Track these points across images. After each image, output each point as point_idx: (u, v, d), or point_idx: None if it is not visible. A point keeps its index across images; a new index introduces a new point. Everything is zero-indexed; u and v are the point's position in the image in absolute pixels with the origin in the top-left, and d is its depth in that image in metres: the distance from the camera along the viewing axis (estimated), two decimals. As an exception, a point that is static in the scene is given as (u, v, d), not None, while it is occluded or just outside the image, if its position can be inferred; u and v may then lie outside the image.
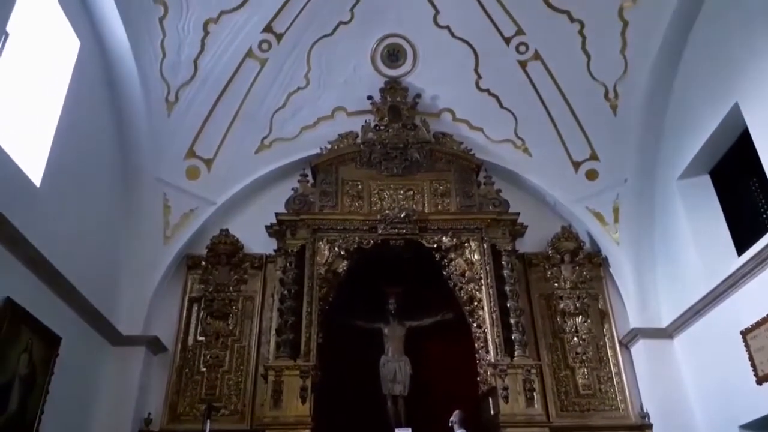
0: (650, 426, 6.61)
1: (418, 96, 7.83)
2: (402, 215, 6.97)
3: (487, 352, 6.44)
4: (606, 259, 7.53)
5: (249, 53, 7.02)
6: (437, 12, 7.11)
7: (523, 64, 7.28)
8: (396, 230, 6.98)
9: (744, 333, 5.53)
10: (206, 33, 6.63)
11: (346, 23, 7.14)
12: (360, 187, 7.48)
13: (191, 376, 6.79)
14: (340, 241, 6.98)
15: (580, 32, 6.82)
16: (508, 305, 6.59)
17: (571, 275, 7.32)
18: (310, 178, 7.58)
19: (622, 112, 7.13)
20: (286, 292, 6.60)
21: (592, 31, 6.77)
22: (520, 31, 7.05)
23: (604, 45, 6.80)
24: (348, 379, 6.86)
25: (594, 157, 7.54)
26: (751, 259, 5.36)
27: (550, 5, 6.71)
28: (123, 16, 5.85)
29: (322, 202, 7.30)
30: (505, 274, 6.77)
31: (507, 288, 6.69)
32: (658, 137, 6.97)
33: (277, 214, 7.13)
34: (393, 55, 7.62)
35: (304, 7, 6.78)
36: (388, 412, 6.72)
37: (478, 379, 6.62)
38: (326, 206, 7.25)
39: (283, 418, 5.97)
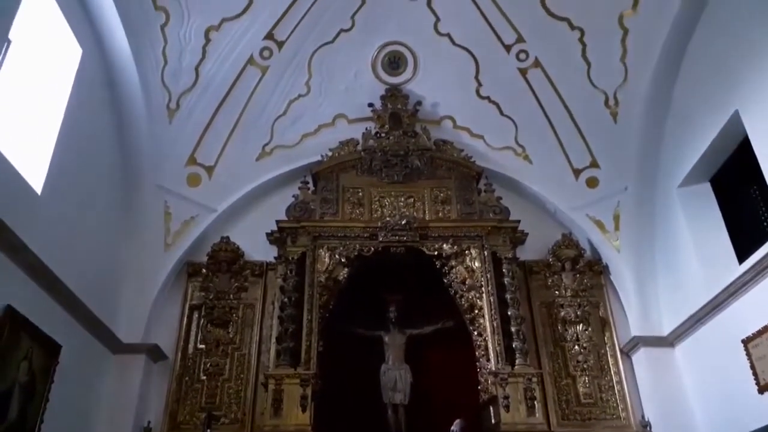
0: (652, 434, 6.58)
1: (419, 103, 7.84)
2: (402, 222, 6.97)
3: (488, 360, 6.43)
4: (607, 267, 7.51)
5: (250, 60, 7.04)
6: (438, 19, 7.14)
7: (523, 72, 7.29)
8: (396, 237, 6.97)
9: (745, 341, 5.51)
10: (208, 40, 6.66)
11: (347, 31, 7.16)
12: (361, 194, 7.48)
13: (191, 384, 6.76)
14: (341, 248, 6.98)
15: (581, 40, 6.84)
16: (509, 313, 6.57)
17: (571, 283, 7.30)
18: (310, 185, 7.58)
19: (622, 119, 7.14)
20: (286, 299, 6.59)
21: (593, 38, 6.79)
22: (520, 39, 7.07)
23: (605, 53, 6.81)
24: (348, 388, 6.84)
25: (594, 164, 7.55)
26: (752, 267, 5.35)
27: (550, 13, 6.73)
28: (125, 23, 5.88)
29: (323, 209, 7.29)
30: (505, 282, 6.75)
31: (508, 296, 6.67)
32: (658, 145, 6.97)
33: (277, 222, 7.13)
34: (394, 62, 7.63)
35: (305, 14, 6.81)
36: (388, 420, 6.70)
37: (479, 387, 6.60)
38: (327, 213, 7.25)
39: (283, 426, 5.95)
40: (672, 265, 6.89)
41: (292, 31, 6.92)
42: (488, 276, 6.77)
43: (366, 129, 7.79)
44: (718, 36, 5.83)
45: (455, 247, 6.98)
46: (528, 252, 7.54)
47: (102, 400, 6.27)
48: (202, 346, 6.95)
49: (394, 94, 7.81)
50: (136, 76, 6.27)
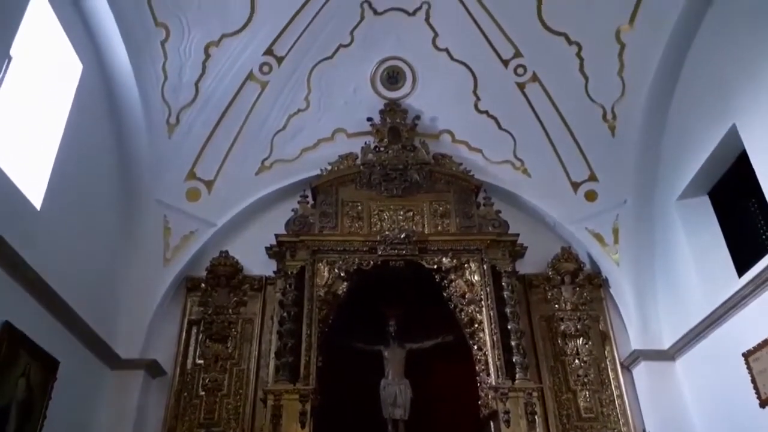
0: (653, 449, 6.54)
1: (418, 118, 7.88)
2: (402, 236, 6.96)
3: (488, 374, 6.38)
4: (606, 281, 7.50)
5: (250, 76, 7.08)
6: (436, 35, 7.19)
7: (521, 86, 7.34)
8: (396, 251, 6.95)
9: (746, 355, 5.49)
10: (207, 56, 6.70)
11: (346, 46, 7.21)
12: (360, 208, 7.48)
13: (190, 400, 6.70)
14: (340, 262, 6.96)
15: (578, 54, 6.89)
16: (509, 327, 6.54)
17: (571, 296, 7.29)
18: (310, 199, 7.58)
19: (620, 133, 7.18)
20: (285, 314, 6.56)
21: (590, 53, 6.84)
22: (518, 54, 7.12)
23: (602, 67, 6.86)
24: (348, 403, 6.79)
25: (593, 178, 7.58)
26: (752, 280, 5.34)
27: (547, 28, 6.78)
28: (125, 39, 5.91)
29: (322, 223, 7.29)
30: (505, 296, 6.73)
31: (508, 310, 6.64)
32: (656, 158, 7.00)
33: (276, 236, 7.12)
34: (392, 77, 7.68)
35: (304, 30, 6.86)
36: (388, 436, 6.65)
37: (479, 402, 6.55)
38: (326, 227, 7.25)
39: (282, 442, 5.90)
40: (671, 279, 6.89)
41: (291, 47, 6.97)
42: (488, 289, 6.75)
43: (365, 143, 7.81)
44: (715, 50, 5.87)
45: (454, 260, 6.97)
46: (527, 265, 7.53)
47: (100, 416, 6.22)
48: (201, 361, 6.91)
49: (392, 108, 7.84)
50: (136, 92, 6.29)
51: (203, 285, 7.22)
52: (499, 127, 7.74)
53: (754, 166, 5.36)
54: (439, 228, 7.32)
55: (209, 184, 7.48)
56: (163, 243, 7.15)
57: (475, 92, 7.55)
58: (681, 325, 6.55)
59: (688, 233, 6.54)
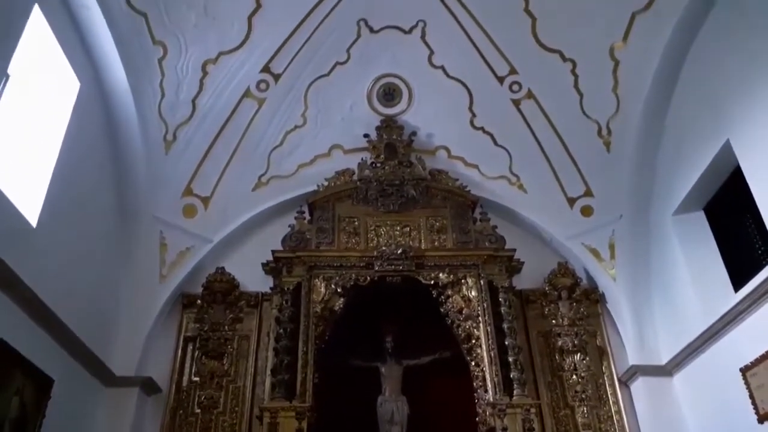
0: (652, 466, 6.51)
1: (414, 134, 7.92)
2: (398, 252, 6.96)
3: (486, 391, 6.35)
4: (603, 296, 7.50)
5: (247, 93, 7.13)
6: (432, 52, 7.26)
7: (516, 103, 7.39)
8: (393, 267, 6.95)
9: (743, 370, 5.48)
10: (205, 73, 6.74)
11: (342, 63, 7.27)
12: (356, 223, 7.49)
13: (185, 417, 6.65)
14: (337, 278, 6.95)
15: (573, 71, 6.96)
16: (507, 343, 6.52)
17: (568, 312, 7.26)
18: (306, 215, 7.58)
19: (615, 148, 7.23)
20: (281, 330, 6.53)
21: (584, 70, 6.91)
22: (513, 71, 7.19)
23: (597, 84, 6.93)
24: (345, 421, 6.72)
25: (588, 193, 7.61)
26: (748, 295, 5.34)
27: (542, 45, 6.86)
28: (123, 57, 5.95)
29: (319, 238, 7.29)
30: (502, 311, 6.72)
31: (505, 325, 6.63)
32: (651, 174, 7.05)
33: (273, 252, 7.10)
34: (389, 94, 7.74)
35: (301, 48, 6.92)
36: (385, 454, 6.60)
37: (477, 419, 6.50)
38: (323, 243, 7.25)
39: (278, 460, 5.85)
40: (668, 294, 6.90)
41: (288, 64, 7.03)
42: (485, 305, 6.74)
43: (362, 159, 7.86)
44: (708, 66, 5.93)
45: (451, 276, 6.97)
46: (524, 281, 7.52)
47: (94, 434, 6.17)
48: (197, 378, 6.86)
49: (389, 124, 7.89)
50: (133, 109, 6.32)
51: (199, 301, 7.19)
52: (495, 143, 7.78)
53: (748, 182, 5.40)
54: (436, 243, 7.32)
55: (206, 201, 7.49)
56: (159, 259, 7.14)
57: (470, 109, 7.61)
58: (678, 341, 6.55)
59: (684, 248, 6.57)
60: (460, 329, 6.82)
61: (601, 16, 6.40)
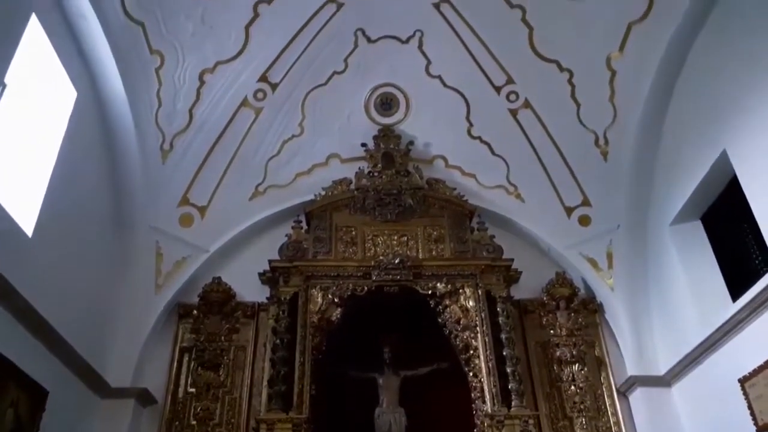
0: (651, 477, 6.47)
1: (411, 143, 7.92)
2: (396, 261, 6.94)
3: (484, 402, 6.31)
4: (601, 306, 7.48)
5: (244, 102, 7.13)
6: (429, 62, 7.28)
7: (513, 112, 7.41)
8: (390, 276, 6.93)
9: (742, 381, 5.46)
10: (202, 83, 6.74)
11: (340, 73, 7.28)
12: (354, 233, 7.47)
13: (181, 429, 6.57)
14: (334, 288, 6.92)
15: (569, 81, 6.97)
16: (504, 353, 6.49)
17: (566, 322, 7.23)
18: (304, 224, 7.56)
19: (612, 158, 7.24)
20: (278, 341, 6.49)
21: (581, 80, 6.93)
22: (510, 81, 7.21)
23: (593, 93, 6.94)
24: (342, 432, 6.71)
25: (586, 203, 7.62)
26: (746, 305, 5.33)
27: (539, 55, 6.88)
28: (120, 66, 5.94)
29: (316, 248, 7.26)
30: (500, 322, 6.69)
31: (503, 336, 6.60)
32: (649, 183, 7.06)
33: (270, 261, 7.07)
34: (386, 103, 7.75)
35: (298, 57, 6.94)
36: (383, 466, 6.55)
37: (475, 430, 6.46)
38: (320, 252, 7.22)
39: (275, 473, 5.80)
40: (666, 304, 6.89)
41: (285, 74, 7.04)
42: (483, 315, 6.72)
43: (359, 168, 7.85)
44: (704, 76, 5.96)
45: (449, 285, 6.94)
46: (522, 291, 7.50)
47: (89, 447, 6.10)
48: (193, 389, 6.79)
49: (386, 134, 7.90)
50: (130, 118, 6.30)
51: (195, 312, 7.14)
52: (492, 152, 7.79)
53: (745, 191, 5.41)
54: (434, 253, 7.31)
55: (202, 210, 7.47)
56: (155, 269, 7.10)
57: (468, 118, 7.62)
58: (677, 351, 6.53)
59: (681, 258, 6.57)
60: (457, 340, 6.80)
61: (597, 27, 6.43)
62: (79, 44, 5.69)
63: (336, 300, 6.86)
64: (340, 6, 6.62)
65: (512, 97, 7.30)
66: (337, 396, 6.78)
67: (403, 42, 7.11)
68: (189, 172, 7.27)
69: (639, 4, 6.11)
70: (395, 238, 7.45)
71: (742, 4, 5.34)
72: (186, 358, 6.99)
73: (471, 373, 6.64)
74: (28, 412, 4.85)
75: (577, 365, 7.04)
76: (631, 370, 7.01)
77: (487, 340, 6.57)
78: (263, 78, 7.02)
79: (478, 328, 6.67)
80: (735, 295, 5.88)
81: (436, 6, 6.69)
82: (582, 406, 6.85)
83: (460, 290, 6.95)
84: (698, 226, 6.64)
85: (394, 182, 7.63)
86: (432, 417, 6.94)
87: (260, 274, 7.34)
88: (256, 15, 6.43)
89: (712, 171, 5.90)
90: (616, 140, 7.11)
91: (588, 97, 7.00)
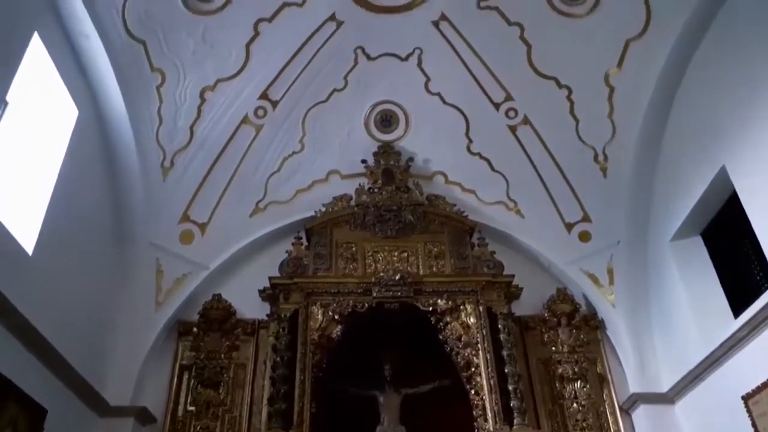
0: (655, 496, 6.40)
1: (411, 159, 7.94)
2: (396, 278, 6.92)
3: (486, 420, 6.24)
4: (602, 322, 7.44)
5: (245, 119, 7.16)
6: (428, 79, 7.32)
7: (513, 129, 7.44)
8: (391, 293, 6.90)
9: (745, 398, 5.42)
10: (203, 100, 6.78)
11: (340, 90, 7.32)
12: (354, 249, 7.46)
13: (180, 448, 6.54)
14: (334, 304, 6.89)
15: (568, 97, 7.01)
16: (506, 371, 6.43)
17: (568, 338, 7.19)
18: (304, 240, 7.55)
19: (612, 174, 7.26)
20: (278, 359, 6.45)
21: (580, 96, 6.96)
22: (509, 97, 7.24)
23: (592, 110, 6.98)
24: (343, 451, 6.64)
25: (586, 218, 7.61)
26: (748, 322, 5.30)
27: (537, 72, 6.92)
28: (121, 84, 6.00)
29: (316, 264, 7.25)
30: (502, 338, 6.64)
31: (504, 352, 6.55)
32: (648, 199, 7.07)
33: (270, 278, 7.06)
34: (386, 120, 7.79)
35: (299, 75, 6.98)
36: (384, 486, 6.48)
37: (477, 448, 6.41)
38: (320, 269, 7.21)
39: (275, 493, 5.74)
40: (668, 320, 6.86)
41: (286, 91, 7.08)
42: (484, 332, 6.68)
43: (359, 185, 7.86)
44: (702, 93, 5.99)
45: (450, 302, 6.91)
46: (523, 307, 7.45)
47: (87, 466, 6.04)
48: (192, 408, 6.73)
49: (386, 150, 7.92)
50: (131, 136, 6.34)
51: (195, 329, 7.09)
52: (492, 168, 7.81)
53: (744, 207, 5.41)
54: (434, 269, 7.29)
55: (203, 227, 7.46)
56: (155, 286, 7.08)
57: (467, 135, 7.65)
58: (679, 368, 6.48)
59: (682, 274, 6.55)
60: (459, 357, 6.75)
61: (595, 43, 6.48)
62: (81, 62, 5.75)
63: (336, 317, 6.83)
64: (339, 24, 6.69)
65: (511, 113, 7.33)
66: (338, 414, 6.71)
67: (402, 59, 7.15)
68: (189, 189, 7.28)
69: (636, 20, 6.17)
70: (396, 254, 7.44)
71: (739, 21, 5.40)
72: (186, 376, 6.94)
73: (473, 391, 6.58)
74: (26, 430, 4.80)
75: (579, 382, 6.99)
76: (634, 387, 6.96)
77: (488, 357, 6.53)
78: (264, 95, 7.07)
79: (479, 345, 6.64)
80: (737, 311, 5.86)
81: (435, 24, 6.75)
82: (584, 424, 6.78)
83: (461, 307, 6.92)
84: (698, 241, 6.64)
85: (394, 198, 7.64)
86: (434, 436, 6.87)
87: (260, 291, 7.31)
88: (256, 33, 6.48)
89: (712, 187, 5.91)
90: (615, 156, 7.14)
91: (587, 114, 7.03)
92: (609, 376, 7.13)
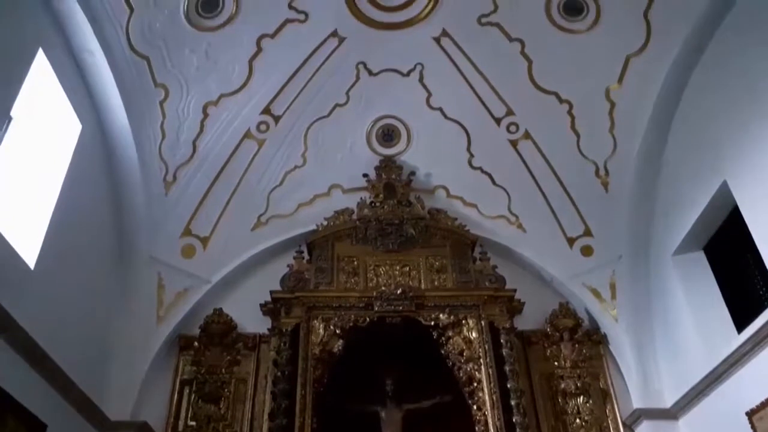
0: None
1: (413, 173, 7.97)
2: (398, 292, 6.90)
3: (488, 436, 6.22)
4: (605, 337, 7.40)
5: (247, 134, 7.22)
6: (430, 94, 7.38)
7: (514, 143, 7.47)
8: (392, 307, 6.88)
9: (750, 414, 5.37)
10: (206, 115, 6.83)
11: (342, 105, 7.38)
12: (356, 263, 7.45)
13: (181, 464, 6.50)
14: (336, 319, 6.87)
15: (569, 112, 7.06)
16: (509, 386, 6.39)
17: (570, 353, 7.14)
18: (305, 254, 7.55)
19: (613, 188, 7.27)
20: (279, 373, 6.42)
21: (581, 111, 7.02)
22: (510, 112, 7.30)
23: (593, 124, 7.02)
24: (343, 467, 6.59)
25: (588, 233, 7.61)
26: (751, 337, 5.28)
27: (538, 87, 6.97)
28: (124, 99, 6.04)
29: (318, 278, 7.24)
30: (504, 353, 6.61)
31: (507, 368, 6.51)
32: (650, 213, 7.07)
33: (271, 292, 7.05)
34: (388, 134, 7.84)
35: (301, 90, 7.05)
36: (385, 501, 6.42)
37: (479, 465, 6.36)
38: (322, 283, 7.19)
39: None
40: (671, 335, 6.82)
41: (288, 106, 7.14)
42: (486, 347, 6.64)
43: (361, 198, 7.88)
44: (703, 108, 6.02)
45: (452, 316, 6.88)
46: (525, 321, 7.41)
47: (87, 482, 6.00)
48: (193, 423, 6.69)
49: (388, 164, 7.95)
50: (134, 150, 6.38)
51: (196, 343, 7.06)
52: (493, 182, 7.83)
53: (747, 223, 5.41)
54: (436, 283, 7.28)
55: (205, 241, 7.47)
56: (156, 300, 7.07)
57: (468, 149, 7.68)
58: (683, 383, 6.44)
59: (685, 289, 6.53)
60: (461, 372, 6.71)
61: (596, 59, 6.54)
62: (85, 78, 5.81)
63: (338, 331, 6.80)
64: (342, 40, 6.75)
65: (512, 128, 7.37)
66: (339, 430, 6.66)
67: (404, 75, 7.21)
68: (192, 203, 7.31)
69: (637, 37, 6.23)
70: (397, 268, 7.43)
71: (739, 36, 5.43)
72: (186, 391, 6.91)
73: (475, 406, 6.52)
74: (25, 447, 4.78)
75: (582, 398, 6.93)
76: (637, 402, 6.91)
77: (490, 372, 6.49)
78: (266, 110, 7.12)
79: (481, 360, 6.60)
80: (740, 326, 5.83)
81: (437, 40, 6.81)
82: (587, 440, 6.73)
83: (463, 321, 6.90)
84: (701, 256, 6.63)
85: (396, 212, 7.64)
86: (435, 452, 6.82)
87: (261, 305, 7.28)
88: (259, 49, 6.55)
89: (713, 201, 5.91)
90: (616, 171, 7.16)
91: (588, 128, 7.07)
92: (612, 392, 7.08)
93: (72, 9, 5.20)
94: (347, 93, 7.29)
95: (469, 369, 6.65)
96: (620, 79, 6.58)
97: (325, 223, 7.72)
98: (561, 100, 6.99)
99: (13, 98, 4.62)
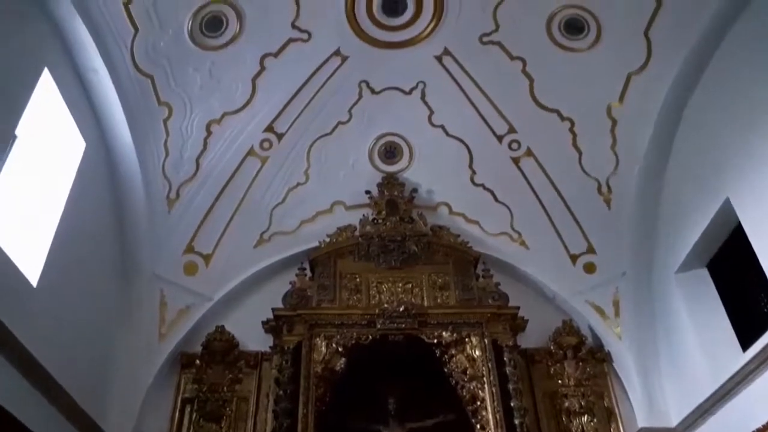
0: None
1: (415, 190, 7.99)
2: (401, 309, 6.87)
3: (492, 455, 6.15)
4: (609, 354, 7.34)
5: (250, 152, 7.26)
6: (432, 112, 7.43)
7: (516, 161, 7.50)
8: (395, 325, 6.84)
9: (757, 434, 5.32)
10: (209, 133, 6.88)
11: (344, 123, 7.43)
12: (358, 280, 7.43)
13: (181, 484, 6.43)
14: (338, 336, 6.82)
15: (571, 130, 7.09)
16: (512, 404, 6.33)
17: (574, 372, 7.08)
18: (308, 271, 7.54)
19: (616, 206, 7.27)
20: (281, 392, 6.38)
21: (582, 128, 7.04)
22: (512, 130, 7.33)
23: (595, 142, 7.04)
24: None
25: (591, 250, 7.59)
26: (757, 355, 5.23)
27: (540, 105, 7.01)
28: (128, 117, 6.08)
29: (320, 296, 7.22)
30: (507, 372, 6.56)
31: (510, 386, 6.45)
32: (653, 231, 7.06)
33: (273, 310, 7.02)
34: (390, 152, 7.88)
35: (304, 108, 7.10)
36: None
37: (482, 485, 6.28)
38: (324, 300, 7.17)
39: None
40: (675, 353, 6.77)
41: (291, 124, 7.19)
42: (489, 365, 6.59)
43: (363, 215, 7.88)
44: (705, 125, 6.04)
45: (455, 334, 6.84)
46: (529, 339, 7.37)
47: (86, 503, 5.93)
48: (194, 442, 6.67)
49: (390, 181, 7.98)
50: (137, 168, 6.41)
51: (198, 361, 7.02)
52: (496, 199, 7.84)
53: (750, 240, 5.39)
54: (439, 300, 7.24)
55: (207, 258, 7.47)
56: (158, 318, 7.06)
57: (470, 166, 7.71)
58: (688, 402, 6.38)
59: (688, 306, 6.50)
60: (464, 390, 6.64)
61: (597, 77, 6.57)
62: (89, 96, 5.85)
63: (340, 349, 6.76)
64: (344, 59, 6.81)
65: (514, 145, 7.40)
66: (341, 449, 6.61)
67: (406, 93, 7.27)
68: (195, 221, 7.32)
69: (638, 55, 6.26)
70: (400, 285, 7.40)
71: (740, 54, 5.46)
72: (188, 409, 6.84)
73: (478, 425, 6.45)
74: (25, 466, 4.74)
75: (586, 416, 6.86)
76: (642, 421, 6.84)
77: (494, 390, 6.42)
78: (269, 128, 7.17)
79: (485, 379, 6.54)
80: (745, 344, 5.79)
81: (438, 59, 6.87)
82: (592, 460, 6.65)
83: (467, 339, 6.85)
84: (704, 274, 6.60)
85: (399, 229, 7.64)
86: (438, 471, 6.74)
87: (263, 323, 7.26)
88: (262, 68, 6.60)
89: (716, 219, 5.90)
90: (618, 188, 7.16)
91: (590, 146, 7.09)
92: (616, 410, 7.01)
93: (77, 29, 5.27)
94: (350, 111, 7.34)
95: (472, 387, 6.60)
96: (621, 97, 6.62)
97: (328, 239, 7.72)
98: (563, 118, 7.02)
99: (18, 117, 4.65)
